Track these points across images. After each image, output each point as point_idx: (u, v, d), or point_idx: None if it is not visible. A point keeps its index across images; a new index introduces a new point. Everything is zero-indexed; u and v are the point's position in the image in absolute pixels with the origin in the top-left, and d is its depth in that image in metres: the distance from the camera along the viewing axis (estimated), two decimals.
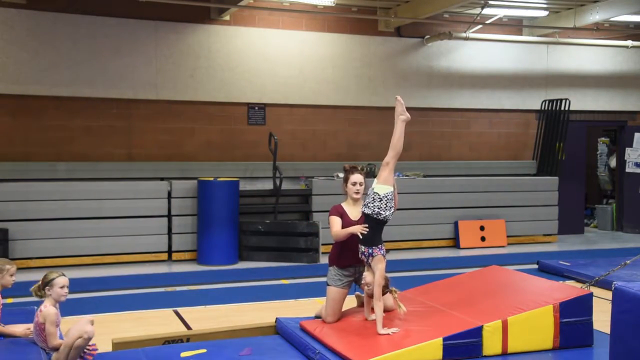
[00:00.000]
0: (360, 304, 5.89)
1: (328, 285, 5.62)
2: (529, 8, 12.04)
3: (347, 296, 5.77)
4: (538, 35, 12.76)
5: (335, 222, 5.54)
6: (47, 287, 4.82)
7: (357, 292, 5.96)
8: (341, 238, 5.46)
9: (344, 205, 5.65)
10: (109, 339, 5.52)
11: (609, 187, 14.43)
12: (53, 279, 4.84)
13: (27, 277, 8.67)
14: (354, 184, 5.59)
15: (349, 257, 5.54)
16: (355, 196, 5.59)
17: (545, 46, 12.95)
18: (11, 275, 5.30)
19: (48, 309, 4.76)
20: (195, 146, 10.97)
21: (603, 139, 14.55)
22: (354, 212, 5.61)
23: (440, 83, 12.33)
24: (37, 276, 8.80)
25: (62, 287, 4.83)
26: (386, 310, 5.61)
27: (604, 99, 13.53)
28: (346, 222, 5.53)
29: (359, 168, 5.68)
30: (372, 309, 5.48)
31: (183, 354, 5.11)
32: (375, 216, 5.30)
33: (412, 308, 5.70)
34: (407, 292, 6.25)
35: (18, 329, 5.29)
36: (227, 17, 10.99)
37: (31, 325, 5.39)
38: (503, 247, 11.57)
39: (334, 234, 5.51)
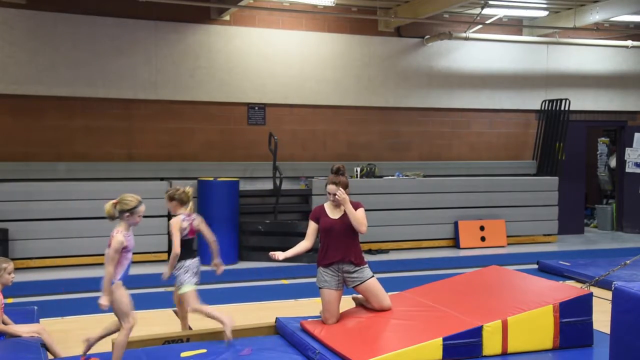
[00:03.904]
0: (359, 305, 5.90)
1: (319, 288, 5.63)
2: (529, 8, 12.04)
3: (346, 297, 5.77)
4: (538, 35, 12.76)
5: (308, 227, 5.68)
6: (128, 214, 4.75)
7: (354, 295, 5.97)
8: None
9: (326, 205, 5.71)
10: (109, 339, 5.52)
11: (609, 187, 14.43)
12: (136, 206, 4.78)
13: (27, 277, 8.71)
14: (329, 194, 5.64)
15: (329, 256, 5.58)
16: (332, 203, 5.66)
17: (545, 46, 12.95)
18: (9, 273, 5.32)
19: (118, 237, 4.69)
20: (195, 146, 10.97)
21: (603, 139, 14.55)
22: (335, 211, 5.65)
23: (440, 83, 12.33)
24: (37, 276, 8.89)
25: (140, 216, 4.83)
26: (362, 305, 5.80)
27: (603, 99, 13.53)
28: (324, 222, 5.61)
29: (340, 173, 5.65)
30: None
31: (183, 354, 5.11)
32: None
33: (412, 308, 5.71)
34: (407, 292, 6.26)
35: (21, 328, 5.30)
36: (227, 17, 10.99)
37: (33, 327, 5.40)
38: (503, 247, 11.57)
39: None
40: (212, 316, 5.47)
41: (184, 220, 5.63)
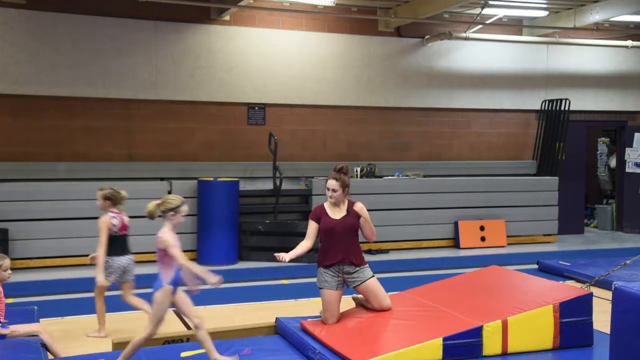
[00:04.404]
0: (359, 305, 5.90)
1: (320, 288, 5.63)
2: (529, 8, 12.03)
3: (346, 297, 5.77)
4: (538, 35, 12.75)
5: (308, 226, 5.63)
6: (172, 213, 4.77)
7: (354, 295, 5.96)
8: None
9: (326, 205, 5.69)
10: (109, 339, 5.53)
11: (609, 187, 14.43)
12: (179, 206, 4.79)
13: (27, 277, 8.71)
14: (328, 189, 5.62)
15: (330, 256, 5.57)
16: (330, 200, 5.64)
17: (545, 46, 12.95)
18: (5, 270, 5.33)
19: (166, 235, 4.70)
20: (195, 146, 10.97)
21: (603, 139, 14.55)
22: (335, 212, 5.64)
23: (440, 83, 12.33)
24: (37, 276, 8.89)
25: (183, 215, 4.82)
26: (362, 305, 5.79)
27: (603, 99, 13.53)
28: (325, 222, 5.58)
29: (343, 172, 5.62)
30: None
31: (183, 354, 5.11)
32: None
33: (412, 308, 5.71)
34: (407, 292, 6.26)
35: (21, 328, 5.30)
36: (227, 17, 10.99)
37: (33, 326, 5.40)
38: (503, 247, 11.57)
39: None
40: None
41: (113, 217, 5.91)
